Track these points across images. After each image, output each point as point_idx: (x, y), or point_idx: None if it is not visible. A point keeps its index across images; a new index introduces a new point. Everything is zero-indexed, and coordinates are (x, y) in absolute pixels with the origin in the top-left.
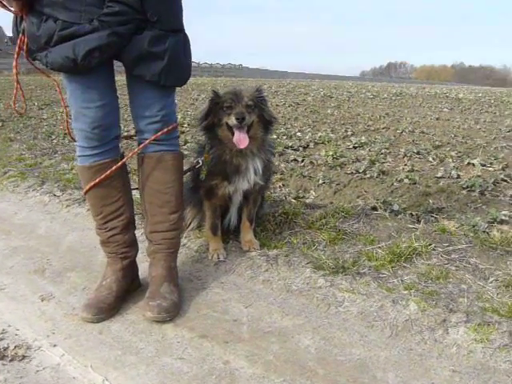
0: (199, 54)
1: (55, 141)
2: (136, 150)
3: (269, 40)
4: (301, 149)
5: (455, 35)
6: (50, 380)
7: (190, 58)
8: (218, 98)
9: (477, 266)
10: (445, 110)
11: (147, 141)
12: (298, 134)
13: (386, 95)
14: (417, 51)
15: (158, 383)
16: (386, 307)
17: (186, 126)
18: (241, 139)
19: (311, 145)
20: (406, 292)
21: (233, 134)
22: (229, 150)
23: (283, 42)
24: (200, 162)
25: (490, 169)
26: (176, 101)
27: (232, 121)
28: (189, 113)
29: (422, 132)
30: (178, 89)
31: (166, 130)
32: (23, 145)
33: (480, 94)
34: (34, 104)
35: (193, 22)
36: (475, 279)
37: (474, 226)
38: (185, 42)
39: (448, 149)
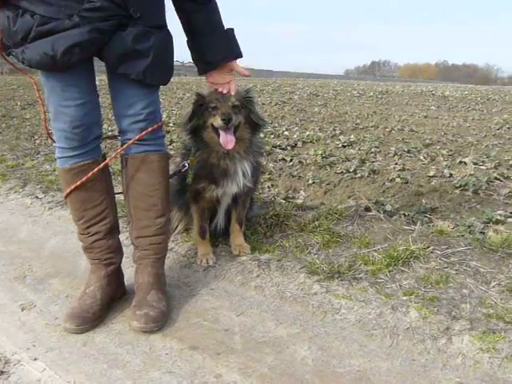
0: (183, 53)
1: (38, 141)
2: (119, 150)
3: (253, 40)
4: (289, 148)
5: (439, 34)
6: None
7: (173, 55)
8: (202, 99)
9: (478, 270)
10: (432, 107)
11: (131, 141)
12: (286, 132)
13: (371, 93)
14: (400, 50)
15: None
16: (385, 314)
17: (171, 125)
18: (228, 140)
19: (299, 144)
20: (405, 298)
21: (219, 135)
22: (215, 152)
23: (267, 41)
24: (186, 165)
25: (482, 167)
26: (161, 100)
27: (218, 122)
28: (174, 112)
29: (412, 130)
30: (162, 88)
31: (150, 129)
32: (5, 145)
33: (466, 92)
34: (17, 104)
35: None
36: (477, 284)
37: (469, 227)
38: (168, 38)
39: (439, 147)
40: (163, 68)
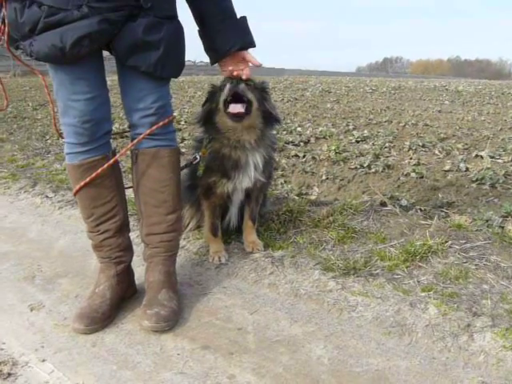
0: (195, 52)
1: (49, 141)
2: (129, 145)
3: (264, 38)
4: (302, 144)
5: (451, 29)
6: None
7: (185, 47)
8: (214, 87)
9: (498, 265)
10: (446, 102)
11: (141, 135)
12: (299, 129)
13: (384, 89)
14: (412, 46)
15: None
16: (403, 311)
17: (182, 123)
18: (235, 106)
19: (312, 140)
20: (423, 294)
21: (231, 118)
22: (227, 140)
23: (279, 39)
24: (198, 157)
25: (499, 161)
26: (172, 98)
27: (226, 89)
28: (185, 110)
29: (426, 125)
30: (174, 87)
31: (161, 123)
32: (15, 145)
33: (480, 87)
34: (29, 105)
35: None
36: (497, 279)
37: (487, 221)
38: (180, 29)
39: (454, 141)
40: (174, 60)
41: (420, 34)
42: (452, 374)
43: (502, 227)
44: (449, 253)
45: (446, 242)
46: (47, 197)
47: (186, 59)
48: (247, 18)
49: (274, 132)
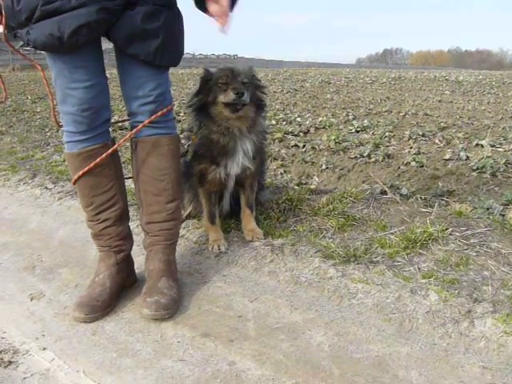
0: (194, 45)
1: (48, 133)
2: (129, 134)
3: (264, 30)
4: (301, 134)
5: (451, 20)
6: None
7: (183, 34)
8: (209, 74)
9: (499, 251)
10: (446, 92)
11: (141, 124)
12: (298, 119)
13: (384, 80)
14: (413, 37)
15: None
16: (403, 298)
17: (182, 114)
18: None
19: (312, 130)
20: (424, 281)
21: (228, 111)
22: (217, 126)
23: (278, 31)
24: (189, 143)
25: (499, 149)
26: (172, 90)
27: (229, 96)
28: (184, 102)
29: (426, 114)
30: (173, 79)
31: (160, 113)
32: (15, 138)
33: (480, 77)
34: (28, 98)
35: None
36: (498, 265)
37: (488, 209)
38: (178, 17)
39: (454, 130)
40: (173, 48)
41: (420, 25)
42: (453, 360)
43: (503, 215)
44: (449, 240)
45: (447, 229)
46: (47, 188)
47: (186, 52)
48: None
49: (273, 122)
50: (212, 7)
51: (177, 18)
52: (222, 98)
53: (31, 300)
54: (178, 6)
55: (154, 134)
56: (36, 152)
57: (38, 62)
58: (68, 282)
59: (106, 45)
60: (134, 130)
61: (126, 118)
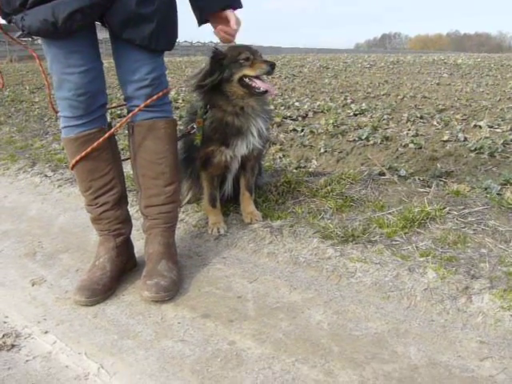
0: (191, 32)
1: (47, 123)
2: (126, 118)
3: (261, 16)
4: (300, 118)
5: (449, 3)
6: (41, 370)
7: (177, 18)
8: (222, 54)
9: (496, 229)
10: (444, 75)
11: (137, 108)
12: (296, 103)
13: (383, 64)
14: (411, 21)
15: (158, 368)
16: (401, 276)
17: (180, 101)
18: (269, 86)
19: (310, 114)
20: (422, 259)
21: (246, 87)
22: (232, 106)
23: (276, 17)
24: (194, 127)
25: (497, 130)
26: (170, 78)
27: (262, 68)
28: (183, 89)
29: (424, 97)
30: (171, 66)
31: (155, 96)
32: (13, 127)
33: (479, 59)
34: (26, 88)
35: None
36: (496, 243)
37: (486, 189)
38: (173, 1)
39: (452, 112)
40: (168, 32)
41: (418, 9)
42: (451, 335)
43: (500, 194)
44: (447, 219)
45: (444, 208)
46: (46, 176)
47: (183, 40)
48: None
49: (272, 107)
50: (220, 33)
51: (171, 2)
52: (243, 75)
53: (32, 285)
54: None
55: (151, 118)
56: (35, 141)
57: (36, 52)
58: (69, 267)
59: (104, 34)
60: (130, 114)
61: (117, 104)
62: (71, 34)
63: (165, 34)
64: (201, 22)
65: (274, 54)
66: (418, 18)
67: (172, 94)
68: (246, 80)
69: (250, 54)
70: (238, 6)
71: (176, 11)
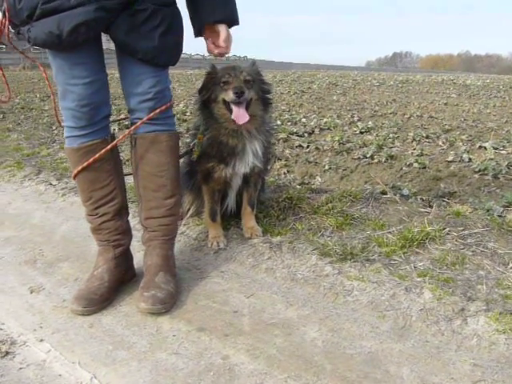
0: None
1: (55, 131)
2: (129, 130)
3: (274, 32)
4: (306, 135)
5: (461, 24)
6: (34, 378)
7: (183, 33)
8: (214, 72)
9: (495, 251)
10: (453, 95)
11: (140, 121)
12: (303, 120)
13: (392, 82)
14: (422, 40)
15: (151, 381)
16: (398, 296)
17: (188, 114)
18: (240, 115)
19: (316, 131)
20: (419, 279)
21: (230, 111)
22: (224, 129)
23: (289, 33)
24: (195, 143)
25: (502, 152)
26: (179, 91)
27: (230, 96)
28: (192, 102)
29: (431, 116)
30: (182, 79)
31: (158, 110)
32: (22, 135)
33: (488, 81)
34: (36, 96)
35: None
36: (494, 265)
37: (488, 211)
38: (177, 16)
39: (458, 133)
40: (171, 47)
41: (430, 28)
42: (444, 357)
43: (503, 216)
44: (446, 239)
45: (444, 228)
46: (51, 184)
47: (195, 53)
48: None
49: (279, 122)
50: (209, 45)
51: (175, 17)
52: (223, 98)
53: (31, 293)
54: (178, 5)
55: (153, 131)
56: (42, 149)
57: (42, 61)
58: (68, 276)
59: (112, 45)
60: (133, 127)
61: (125, 116)
62: (76, 47)
63: (168, 49)
64: (197, 33)
65: (285, 70)
66: (429, 38)
67: (181, 106)
68: (228, 103)
69: (230, 77)
70: (234, 22)
71: (181, 27)
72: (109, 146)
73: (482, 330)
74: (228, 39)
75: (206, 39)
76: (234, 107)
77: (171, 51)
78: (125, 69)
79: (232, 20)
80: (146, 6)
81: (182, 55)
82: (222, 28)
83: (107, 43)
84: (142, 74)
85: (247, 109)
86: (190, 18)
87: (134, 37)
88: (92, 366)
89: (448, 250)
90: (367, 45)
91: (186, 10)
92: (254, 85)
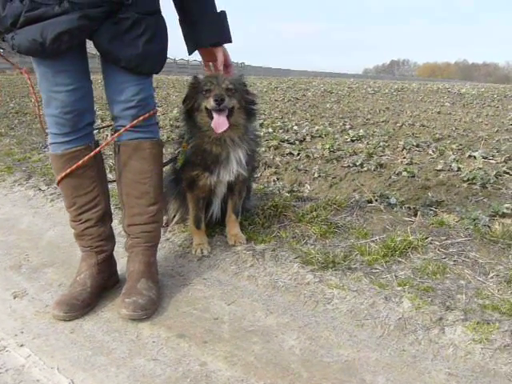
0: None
1: (48, 137)
2: (112, 137)
3: (272, 39)
4: (297, 142)
5: (458, 33)
6: (12, 383)
7: (167, 41)
8: (197, 82)
9: (476, 261)
10: (446, 104)
11: (123, 128)
12: (295, 127)
13: (387, 90)
14: (420, 49)
15: None
16: (377, 304)
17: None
18: (219, 123)
19: (308, 138)
20: (399, 288)
21: (212, 119)
22: (208, 137)
23: (286, 40)
24: (180, 151)
25: (491, 161)
26: (173, 97)
27: (210, 103)
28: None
29: (423, 125)
30: (177, 85)
31: (141, 117)
32: (14, 139)
33: (483, 90)
34: (31, 100)
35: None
36: (474, 274)
37: (474, 220)
38: (161, 25)
39: (449, 142)
40: (155, 56)
41: (427, 37)
42: (420, 366)
43: (489, 226)
44: (429, 249)
45: (427, 238)
46: (40, 189)
47: (193, 59)
48: (226, 13)
49: (270, 130)
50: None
51: (159, 25)
52: (205, 106)
53: (14, 298)
54: (163, 13)
55: (136, 138)
56: (33, 154)
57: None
58: (52, 282)
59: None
60: (116, 134)
61: (109, 123)
62: (59, 54)
63: (151, 58)
64: (191, 52)
65: (282, 77)
66: (427, 46)
67: (174, 112)
68: (210, 111)
69: (212, 85)
70: (227, 41)
71: (165, 35)
72: (92, 153)
73: (458, 340)
74: (226, 59)
75: (201, 55)
76: (214, 115)
77: (155, 59)
78: (108, 76)
79: (226, 40)
80: (129, 14)
81: (167, 60)
82: (218, 51)
83: (95, 49)
84: (125, 82)
85: (229, 117)
86: (184, 37)
87: (117, 45)
88: (71, 371)
89: (430, 259)
90: (365, 52)
91: (175, 16)
92: (236, 94)
